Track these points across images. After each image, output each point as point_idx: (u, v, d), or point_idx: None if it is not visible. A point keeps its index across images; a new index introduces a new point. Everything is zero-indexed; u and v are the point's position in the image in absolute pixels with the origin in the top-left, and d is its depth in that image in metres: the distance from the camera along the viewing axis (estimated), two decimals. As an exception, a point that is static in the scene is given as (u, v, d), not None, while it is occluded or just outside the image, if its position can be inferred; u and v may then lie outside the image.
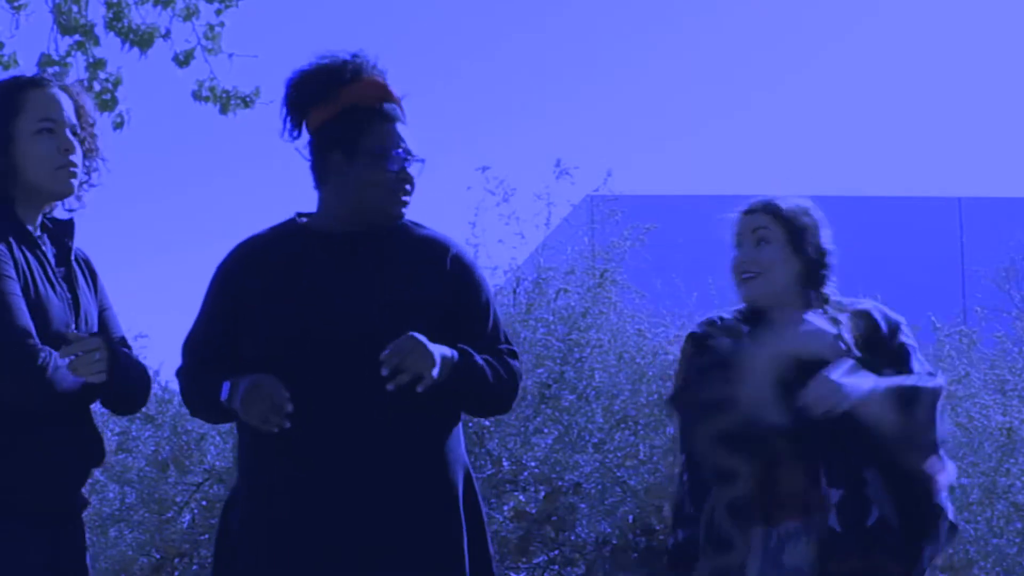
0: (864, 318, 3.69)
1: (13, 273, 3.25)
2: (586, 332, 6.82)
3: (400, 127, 3.47)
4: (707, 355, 3.71)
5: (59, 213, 3.50)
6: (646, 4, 37.90)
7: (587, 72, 39.01)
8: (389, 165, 3.45)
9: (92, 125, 3.46)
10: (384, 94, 3.47)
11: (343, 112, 3.44)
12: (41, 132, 3.36)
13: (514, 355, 3.58)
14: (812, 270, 3.70)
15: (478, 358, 3.45)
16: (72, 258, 3.44)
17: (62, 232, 3.44)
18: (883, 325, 3.69)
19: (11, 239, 3.31)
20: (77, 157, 3.39)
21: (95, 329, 3.42)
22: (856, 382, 3.52)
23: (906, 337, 3.70)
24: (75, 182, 3.40)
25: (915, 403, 3.56)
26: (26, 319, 3.22)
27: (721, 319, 3.76)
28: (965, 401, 6.77)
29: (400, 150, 3.45)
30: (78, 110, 3.44)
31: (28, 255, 3.33)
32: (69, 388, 3.24)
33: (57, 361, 3.22)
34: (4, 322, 3.20)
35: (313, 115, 3.48)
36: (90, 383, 3.27)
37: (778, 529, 3.58)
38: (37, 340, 3.21)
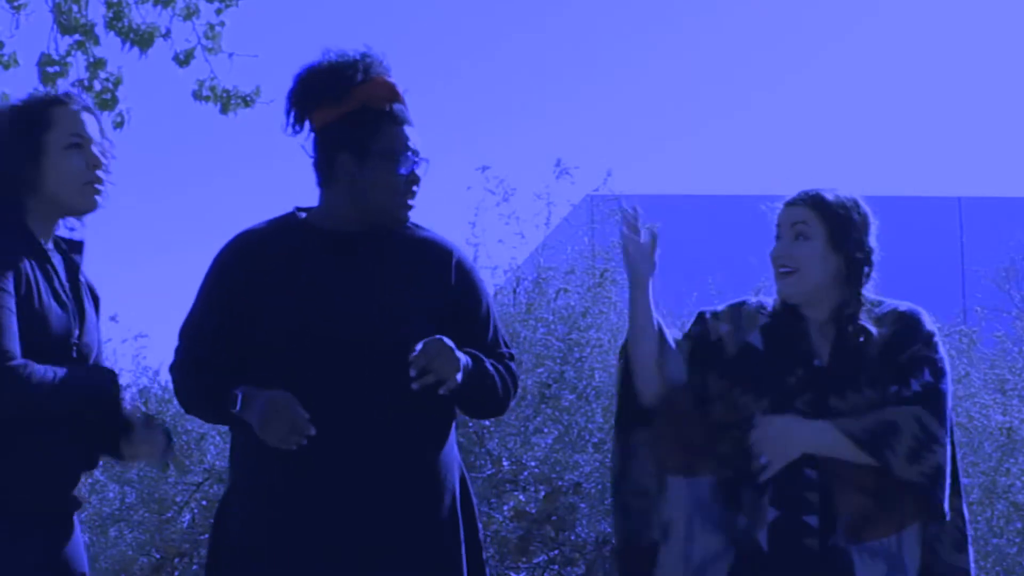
0: (894, 323, 3.61)
1: (11, 286, 3.26)
2: (586, 332, 6.81)
3: (408, 129, 3.47)
4: (690, 331, 3.72)
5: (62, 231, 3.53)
6: (646, 4, 37.91)
7: (587, 72, 39.03)
8: (399, 168, 3.45)
9: (110, 146, 3.50)
10: (393, 95, 3.47)
11: (353, 113, 3.44)
12: (71, 147, 3.40)
13: (512, 359, 3.60)
14: (853, 269, 3.60)
15: (488, 364, 3.47)
16: (80, 275, 3.47)
17: (72, 250, 3.47)
18: (907, 333, 3.59)
19: (19, 249, 3.32)
20: (103, 174, 3.43)
21: (95, 343, 3.45)
22: (812, 432, 3.51)
23: (928, 349, 3.58)
24: (99, 199, 3.44)
25: (886, 444, 3.48)
26: (11, 335, 3.22)
27: (746, 306, 3.71)
28: (965, 401, 6.77)
29: (409, 153, 3.45)
30: (100, 128, 3.48)
31: (35, 266, 3.34)
32: (46, 401, 3.24)
33: (36, 373, 3.22)
34: None
35: (320, 113, 3.47)
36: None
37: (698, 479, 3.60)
38: (18, 353, 3.21)
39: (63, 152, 3.40)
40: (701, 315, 3.74)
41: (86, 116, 3.45)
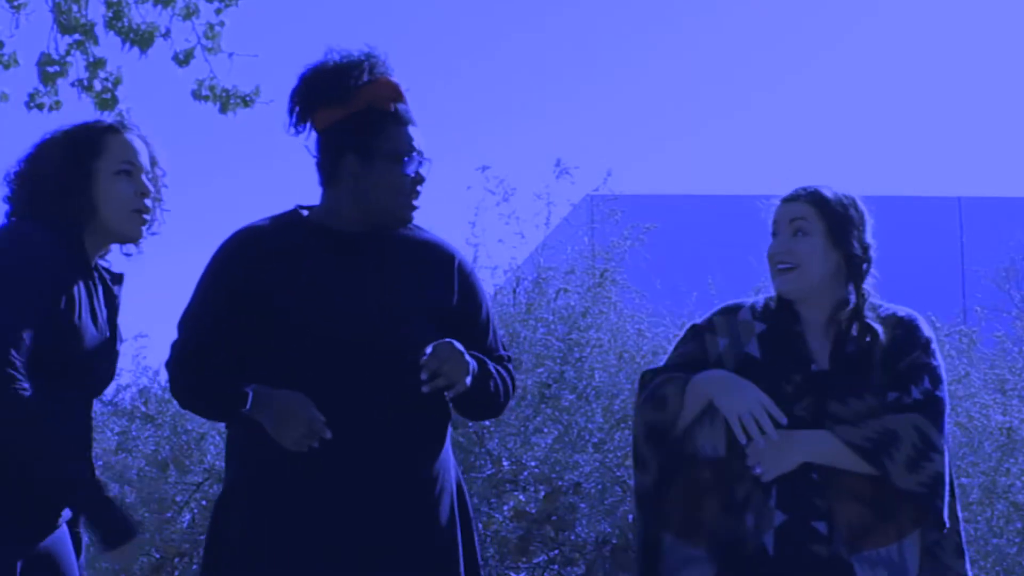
0: (893, 328, 3.59)
1: (47, 286, 3.27)
2: (586, 332, 6.80)
3: (412, 129, 3.47)
4: (685, 348, 3.68)
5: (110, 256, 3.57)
6: (646, 4, 37.91)
7: (587, 72, 39.04)
8: (405, 169, 3.45)
9: (163, 175, 3.53)
10: (397, 95, 3.47)
11: (358, 113, 3.43)
12: (120, 174, 3.44)
13: (510, 360, 3.62)
14: (853, 266, 3.58)
15: (492, 367, 3.48)
16: (117, 309, 3.51)
17: (113, 280, 3.51)
18: (907, 339, 3.57)
19: (70, 264, 3.35)
20: (150, 203, 3.47)
21: (113, 371, 3.48)
22: (809, 441, 3.48)
23: (927, 356, 3.57)
24: (145, 228, 3.48)
25: (885, 453, 3.46)
26: (27, 322, 3.22)
27: (739, 312, 3.67)
28: (965, 401, 6.75)
29: (415, 153, 3.46)
30: (152, 158, 3.51)
31: (81, 284, 3.36)
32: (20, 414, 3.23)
33: (25, 391, 3.20)
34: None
35: (323, 113, 3.46)
36: None
37: (686, 548, 3.56)
38: (18, 360, 3.20)
39: (112, 178, 3.44)
40: (696, 330, 3.69)
41: (138, 144, 3.49)
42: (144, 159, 3.49)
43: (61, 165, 3.41)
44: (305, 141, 3.52)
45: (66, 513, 3.39)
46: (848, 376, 3.54)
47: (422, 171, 3.48)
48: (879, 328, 3.56)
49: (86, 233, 3.43)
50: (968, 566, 3.62)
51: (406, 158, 3.45)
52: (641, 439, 3.62)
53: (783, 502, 3.50)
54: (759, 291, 3.79)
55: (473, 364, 3.40)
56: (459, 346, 3.34)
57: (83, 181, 3.41)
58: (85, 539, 3.55)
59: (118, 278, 3.54)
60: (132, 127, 3.54)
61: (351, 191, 3.46)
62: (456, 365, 3.33)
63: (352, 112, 3.44)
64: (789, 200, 3.62)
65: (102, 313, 3.43)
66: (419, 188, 3.49)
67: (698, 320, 3.73)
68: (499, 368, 3.54)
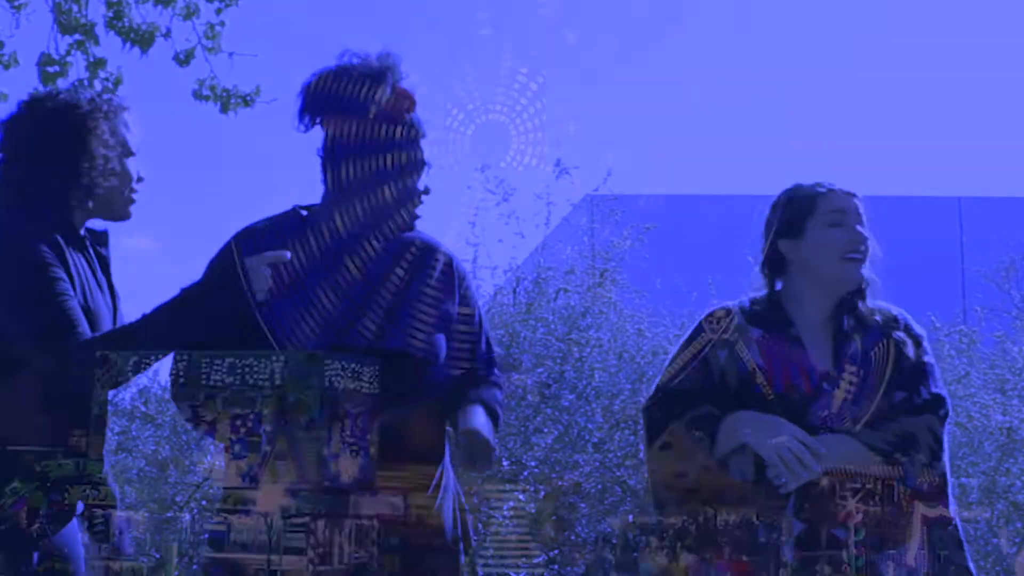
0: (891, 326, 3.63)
1: (64, 276, 3.27)
2: (586, 332, 6.82)
3: (423, 141, 3.47)
4: (687, 370, 3.67)
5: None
6: (646, 4, 37.91)
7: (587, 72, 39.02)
8: (417, 183, 3.46)
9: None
10: (412, 105, 3.47)
11: (373, 122, 3.42)
12: (127, 155, 3.44)
13: (495, 363, 3.63)
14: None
15: (497, 408, 3.50)
16: (110, 271, 3.51)
17: (97, 242, 3.51)
18: (907, 338, 3.61)
19: (67, 246, 3.35)
20: (139, 185, 3.49)
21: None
22: (830, 447, 3.46)
23: (926, 355, 3.61)
24: (132, 209, 3.49)
25: (906, 456, 3.48)
26: (77, 313, 3.23)
27: (735, 322, 3.65)
28: (965, 401, 6.77)
29: (426, 165, 3.46)
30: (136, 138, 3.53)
31: (84, 265, 3.36)
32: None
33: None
34: (53, 307, 3.21)
35: (338, 119, 3.45)
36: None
37: (711, 567, 3.55)
38: (86, 328, 3.22)
39: (122, 162, 3.45)
40: (691, 345, 3.65)
41: (135, 126, 3.51)
42: (136, 141, 3.49)
43: (66, 138, 3.39)
44: (312, 138, 3.52)
45: (78, 507, 3.40)
46: (854, 375, 3.55)
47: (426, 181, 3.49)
48: (879, 317, 3.59)
49: (75, 207, 3.42)
50: (970, 558, 3.63)
51: (420, 170, 3.45)
52: (659, 485, 3.62)
53: (800, 511, 3.50)
54: (758, 291, 3.76)
55: (494, 440, 3.41)
56: (485, 432, 3.35)
57: (90, 161, 3.41)
58: (84, 537, 3.55)
59: (103, 239, 3.53)
60: (128, 107, 3.53)
61: (358, 196, 3.46)
62: (486, 459, 3.35)
63: (368, 120, 3.43)
64: (851, 195, 3.68)
65: (102, 284, 3.43)
66: (423, 198, 3.50)
67: (687, 334, 3.71)
68: (496, 403, 3.53)
